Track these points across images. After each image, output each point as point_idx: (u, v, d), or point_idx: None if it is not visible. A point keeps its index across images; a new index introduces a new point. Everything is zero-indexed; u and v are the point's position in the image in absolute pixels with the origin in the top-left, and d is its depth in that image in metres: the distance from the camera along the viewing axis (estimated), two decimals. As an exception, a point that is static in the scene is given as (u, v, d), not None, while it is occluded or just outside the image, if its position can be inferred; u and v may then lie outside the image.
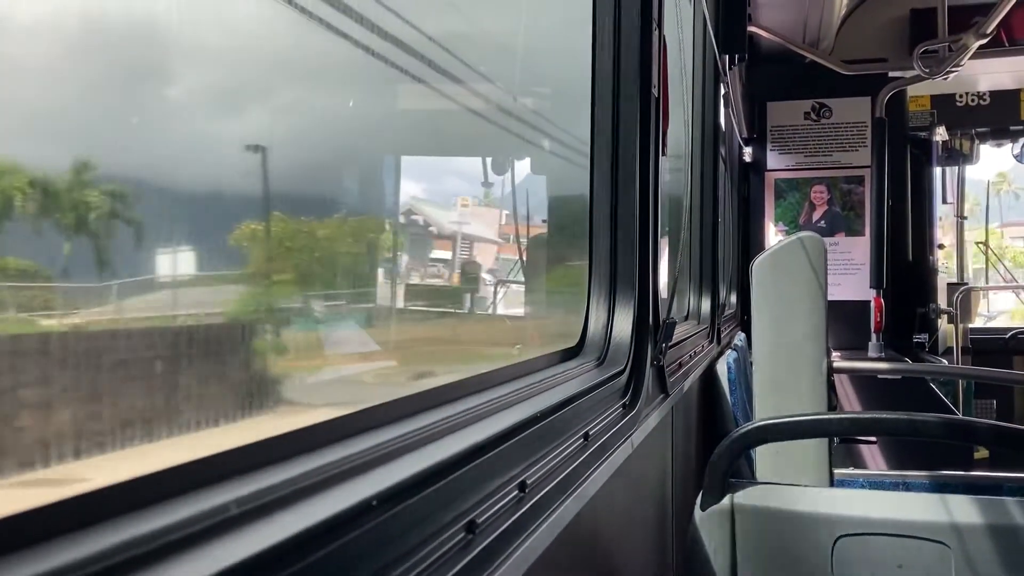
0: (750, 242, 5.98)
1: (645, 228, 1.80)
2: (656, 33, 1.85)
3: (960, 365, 6.39)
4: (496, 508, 0.88)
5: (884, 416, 1.68)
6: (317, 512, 0.59)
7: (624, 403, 1.58)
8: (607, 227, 1.76)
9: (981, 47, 4.70)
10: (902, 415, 1.60)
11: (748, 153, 5.89)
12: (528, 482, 0.98)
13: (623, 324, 1.72)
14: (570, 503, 1.11)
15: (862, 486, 2.76)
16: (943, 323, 6.72)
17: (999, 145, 8.25)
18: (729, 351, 3.56)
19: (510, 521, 0.89)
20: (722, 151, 4.87)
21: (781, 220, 5.95)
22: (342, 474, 0.68)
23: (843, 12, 5.59)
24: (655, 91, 1.85)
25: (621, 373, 1.62)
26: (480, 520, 0.83)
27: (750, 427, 1.73)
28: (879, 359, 5.27)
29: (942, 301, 6.66)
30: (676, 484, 2.23)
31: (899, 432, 1.72)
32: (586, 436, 1.24)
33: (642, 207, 1.79)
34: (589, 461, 1.24)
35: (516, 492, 0.94)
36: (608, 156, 1.76)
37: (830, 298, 5.96)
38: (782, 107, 5.94)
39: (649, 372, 1.79)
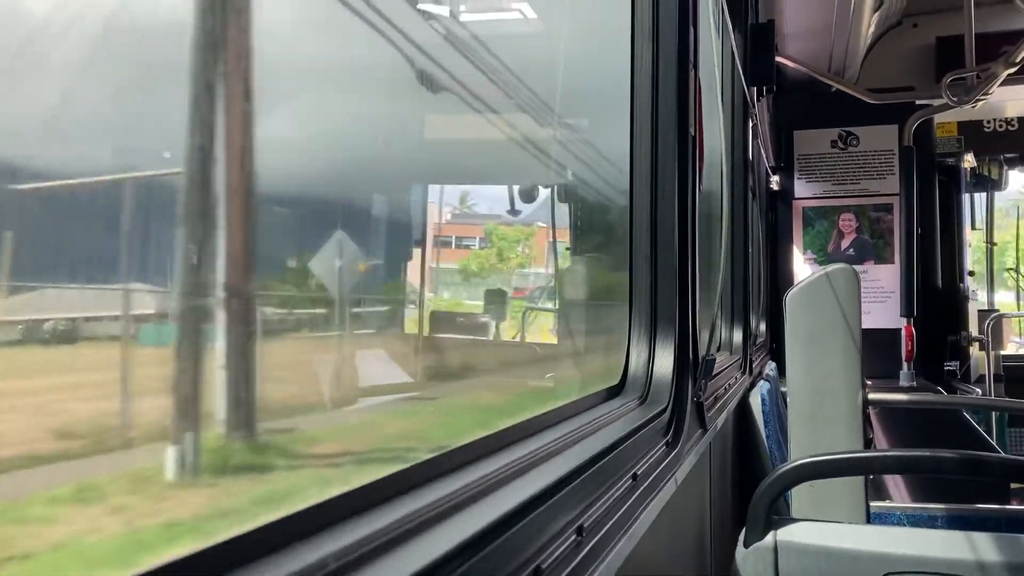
0: (779, 270, 5.97)
1: (684, 265, 1.82)
2: (692, 74, 1.89)
3: (994, 397, 6.31)
4: (557, 553, 0.90)
5: (931, 454, 1.68)
6: (404, 566, 0.61)
7: (667, 441, 1.60)
8: (647, 265, 1.78)
9: (1010, 75, 4.70)
10: (951, 453, 1.60)
11: (776, 181, 5.90)
12: (585, 525, 1.00)
13: (664, 361, 1.74)
14: (622, 544, 1.13)
15: (899, 520, 2.74)
16: (975, 351, 6.65)
17: (1029, 170, 8.19)
18: (762, 382, 3.56)
19: (571, 566, 0.91)
20: (750, 180, 4.89)
21: (810, 248, 5.94)
22: (419, 526, 0.70)
23: (868, 41, 5.61)
24: (692, 130, 1.88)
25: (663, 411, 1.64)
26: (544, 566, 0.85)
27: (793, 465, 1.74)
28: (911, 388, 5.23)
29: (973, 328, 6.60)
30: (714, 520, 2.23)
31: (949, 471, 1.72)
32: (635, 476, 1.26)
33: (680, 244, 1.81)
34: (639, 501, 1.25)
35: (575, 536, 0.96)
36: (648, 195, 1.79)
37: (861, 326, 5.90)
38: (809, 136, 5.95)
39: (689, 409, 1.80)
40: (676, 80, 1.80)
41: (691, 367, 1.83)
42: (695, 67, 1.93)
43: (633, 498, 1.22)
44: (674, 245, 1.79)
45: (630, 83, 1.78)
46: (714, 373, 2.78)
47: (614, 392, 1.65)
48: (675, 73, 1.80)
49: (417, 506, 0.73)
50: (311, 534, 0.61)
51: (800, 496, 2.55)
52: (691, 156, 1.88)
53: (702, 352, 1.96)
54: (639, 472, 1.29)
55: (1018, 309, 9.29)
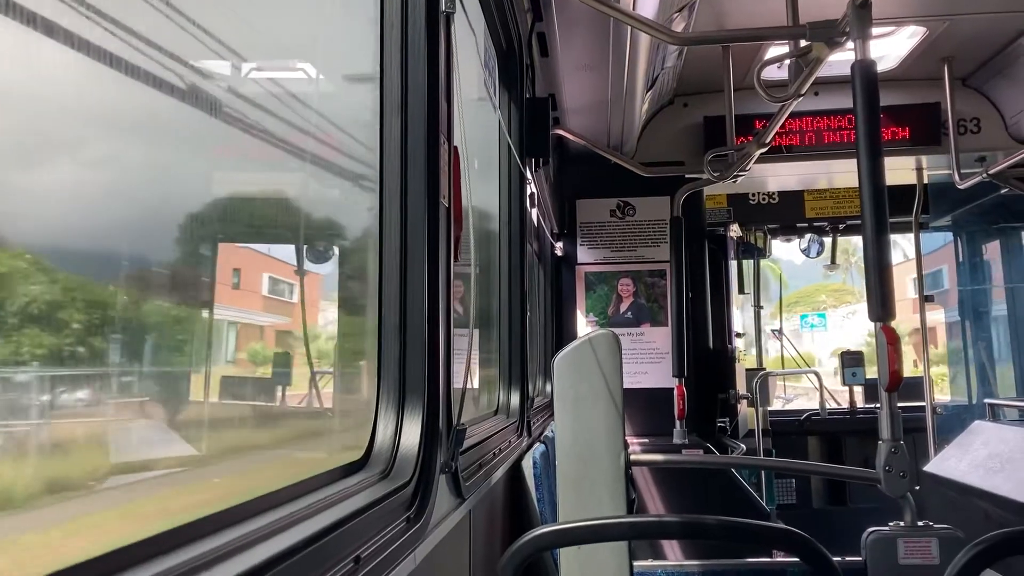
0: (563, 332, 6.17)
1: (435, 333, 1.82)
2: (445, 146, 1.92)
3: (761, 450, 6.76)
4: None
5: (657, 520, 1.75)
6: None
7: (409, 516, 1.57)
8: (396, 334, 1.77)
9: (763, 154, 5.14)
10: (674, 517, 1.67)
11: (559, 248, 6.13)
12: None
13: (412, 432, 1.72)
14: (335, 634, 1.08)
15: (660, 578, 2.84)
16: (743, 407, 7.12)
17: (788, 240, 8.99)
18: (538, 444, 3.62)
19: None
20: (534, 246, 5.04)
21: (592, 311, 6.19)
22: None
23: (644, 118, 5.99)
24: (444, 201, 1.91)
25: (407, 484, 1.61)
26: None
27: (531, 536, 1.76)
28: (683, 445, 5.52)
29: (742, 386, 7.08)
30: (474, 589, 2.21)
31: (673, 535, 1.79)
32: (357, 560, 1.22)
33: (431, 313, 1.81)
34: (360, 585, 1.21)
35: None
36: (397, 265, 1.78)
37: (638, 386, 6.19)
38: (590, 204, 6.26)
39: (440, 479, 1.79)
40: (426, 152, 1.82)
41: (443, 436, 1.83)
42: (449, 139, 1.97)
43: (352, 582, 1.18)
44: (424, 314, 1.79)
45: (379, 154, 1.79)
46: (484, 438, 2.80)
47: (356, 467, 1.61)
48: (425, 145, 1.82)
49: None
50: None
51: (568, 557, 2.59)
52: (444, 227, 1.90)
53: (456, 418, 1.96)
54: (364, 554, 1.25)
55: (782, 368, 10.08)
